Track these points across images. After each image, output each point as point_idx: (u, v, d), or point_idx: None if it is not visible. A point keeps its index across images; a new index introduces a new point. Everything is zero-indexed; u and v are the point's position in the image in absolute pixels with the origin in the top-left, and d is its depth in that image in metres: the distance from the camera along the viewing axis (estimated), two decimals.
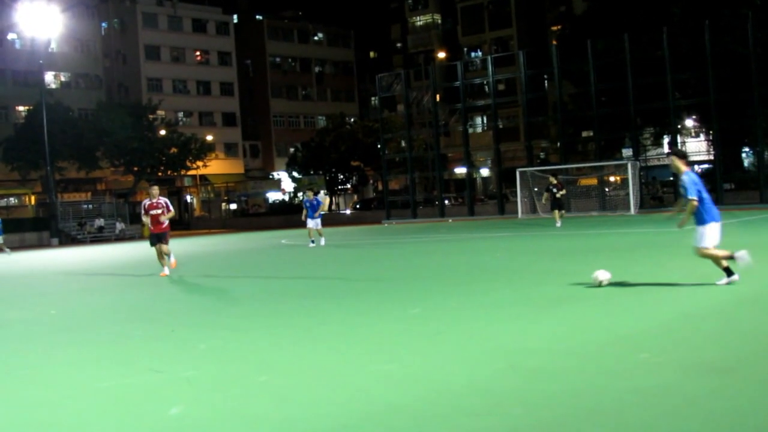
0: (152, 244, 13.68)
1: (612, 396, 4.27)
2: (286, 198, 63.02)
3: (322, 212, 21.33)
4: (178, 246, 28.01)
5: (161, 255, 13.55)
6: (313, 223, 20.45)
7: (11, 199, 50.76)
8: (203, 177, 63.05)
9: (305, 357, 5.92)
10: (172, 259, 13.76)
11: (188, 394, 4.96)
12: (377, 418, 4.19)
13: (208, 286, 11.94)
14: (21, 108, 52.38)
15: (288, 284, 11.59)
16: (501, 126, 42.65)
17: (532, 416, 4.00)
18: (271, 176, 68.94)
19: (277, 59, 72.22)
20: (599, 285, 8.32)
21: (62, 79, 57.99)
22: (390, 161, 43.04)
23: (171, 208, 13.63)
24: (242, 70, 70.56)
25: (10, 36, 52.29)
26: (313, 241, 20.71)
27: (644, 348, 5.40)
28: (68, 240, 40.40)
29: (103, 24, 63.23)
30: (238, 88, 69.09)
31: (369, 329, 7.02)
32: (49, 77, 54.27)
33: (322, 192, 59.44)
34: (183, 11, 65.73)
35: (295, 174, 58.09)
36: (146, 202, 13.57)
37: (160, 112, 53.57)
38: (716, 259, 7.92)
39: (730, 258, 7.91)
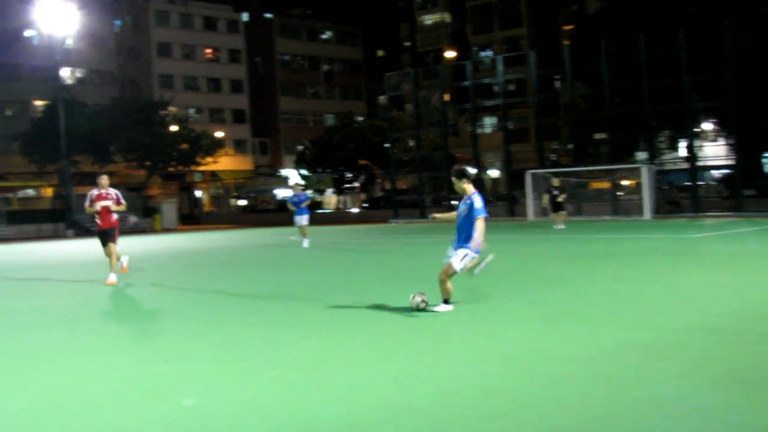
0: (103, 243, 11.92)
1: (626, 404, 4.24)
2: None
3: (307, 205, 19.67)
4: (188, 240, 28.33)
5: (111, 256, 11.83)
6: (302, 220, 19.42)
7: (29, 190, 51.33)
8: (213, 173, 63.33)
9: (316, 353, 5.95)
10: (124, 264, 12.23)
11: (202, 386, 5.02)
12: (388, 416, 4.19)
13: (219, 281, 11.97)
14: (38, 103, 52.81)
15: (298, 281, 11.60)
16: (511, 127, 42.38)
17: (545, 422, 3.99)
18: (279, 173, 69.15)
19: (286, 57, 72.34)
20: (419, 308, 7.59)
21: (77, 75, 58.42)
22: (398, 160, 42.85)
23: (122, 200, 11.91)
24: (252, 67, 70.76)
25: (29, 33, 52.69)
26: (305, 239, 19.64)
27: (661, 356, 5.35)
28: (83, 231, 40.62)
29: (117, 21, 63.60)
30: (248, 86, 69.30)
31: (379, 328, 7.02)
32: (65, 73, 54.61)
33: (329, 190, 59.65)
34: (194, 9, 66.07)
35: (303, 171, 58.22)
36: (94, 192, 11.78)
37: (172, 109, 53.82)
38: (446, 287, 7.61)
39: (446, 301, 7.56)
